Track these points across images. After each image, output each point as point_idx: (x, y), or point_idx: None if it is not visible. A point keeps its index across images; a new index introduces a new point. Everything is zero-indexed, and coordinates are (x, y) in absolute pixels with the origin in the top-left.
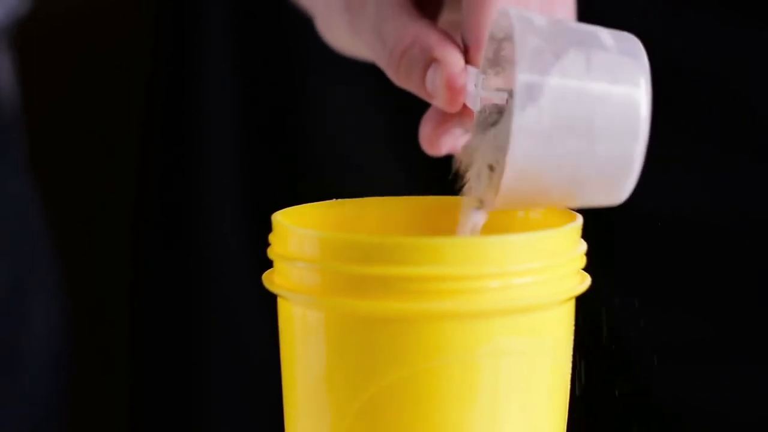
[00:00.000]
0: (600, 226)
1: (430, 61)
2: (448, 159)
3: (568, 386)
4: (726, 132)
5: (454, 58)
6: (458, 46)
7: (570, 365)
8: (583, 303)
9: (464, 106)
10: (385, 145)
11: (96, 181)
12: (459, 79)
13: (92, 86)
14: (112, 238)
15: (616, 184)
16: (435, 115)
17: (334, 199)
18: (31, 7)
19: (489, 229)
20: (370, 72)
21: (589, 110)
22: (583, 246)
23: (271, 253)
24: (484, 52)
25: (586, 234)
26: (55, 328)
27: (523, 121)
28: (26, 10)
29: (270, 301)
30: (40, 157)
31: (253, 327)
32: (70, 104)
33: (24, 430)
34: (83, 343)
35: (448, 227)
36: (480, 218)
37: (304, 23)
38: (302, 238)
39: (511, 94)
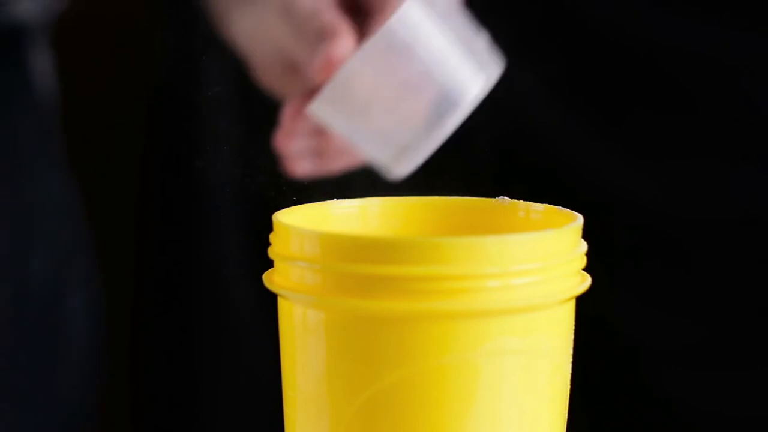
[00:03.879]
0: (600, 227)
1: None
2: (449, 159)
3: (568, 386)
4: (727, 136)
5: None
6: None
7: (570, 365)
8: (583, 303)
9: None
10: None
11: (116, 176)
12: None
13: (123, 83)
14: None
15: (396, 152)
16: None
17: (335, 199)
18: (68, 3)
19: (489, 229)
20: None
21: (414, 72)
22: (583, 246)
23: (272, 252)
24: None
25: (586, 234)
26: (91, 319)
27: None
28: (63, 5)
29: (270, 300)
30: (76, 153)
31: (253, 327)
32: (103, 101)
33: (62, 418)
34: (115, 335)
35: (451, 227)
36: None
37: None
38: (302, 238)
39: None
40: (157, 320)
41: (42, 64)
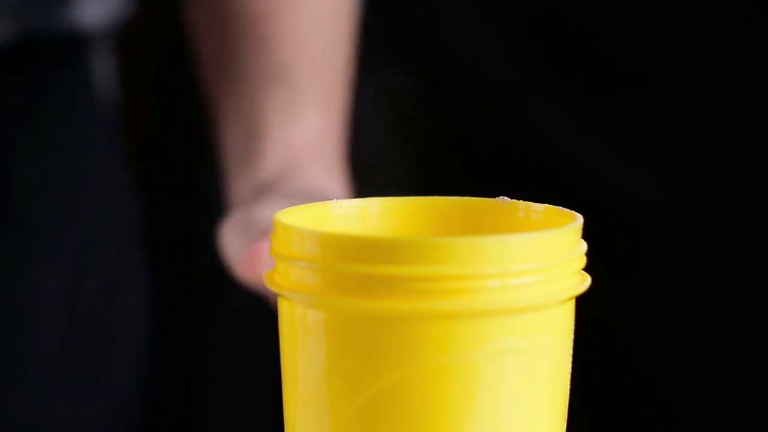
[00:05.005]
0: (600, 227)
1: None
2: (449, 159)
3: (568, 386)
4: (727, 136)
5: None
6: None
7: (570, 365)
8: (583, 303)
9: None
10: (385, 143)
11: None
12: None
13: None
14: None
15: None
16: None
17: (335, 199)
18: (132, 10)
19: (489, 229)
20: (374, 71)
21: None
22: (583, 246)
23: (272, 252)
24: None
25: (586, 234)
26: (147, 311)
27: None
28: (128, 12)
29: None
30: (133, 153)
31: (253, 327)
32: (158, 104)
33: (118, 412)
34: (169, 328)
35: (451, 227)
36: None
37: None
38: (302, 238)
39: None
40: (157, 320)
41: (103, 69)
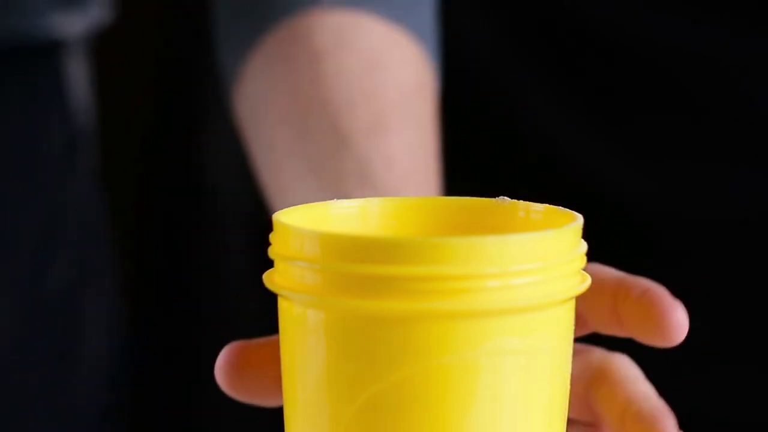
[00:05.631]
0: (600, 227)
1: None
2: (449, 159)
3: (568, 386)
4: (727, 136)
5: None
6: None
7: (570, 365)
8: None
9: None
10: None
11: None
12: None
13: (155, 94)
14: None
15: None
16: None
17: (335, 199)
18: (112, 18)
19: (489, 229)
20: None
21: None
22: (584, 246)
23: (272, 252)
24: None
25: (586, 234)
26: (111, 324)
27: None
28: (108, 21)
29: (270, 301)
30: (106, 163)
31: (253, 326)
32: (136, 111)
33: (83, 424)
34: (135, 338)
35: (451, 227)
36: None
37: None
38: (302, 238)
39: None
40: (157, 321)
41: (76, 76)
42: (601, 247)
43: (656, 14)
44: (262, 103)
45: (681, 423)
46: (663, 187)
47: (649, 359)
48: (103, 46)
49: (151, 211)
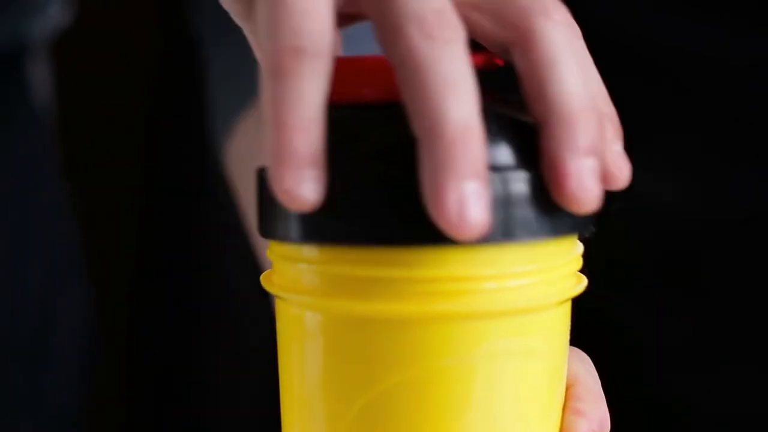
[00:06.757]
0: (600, 227)
1: None
2: None
3: (564, 387)
4: (727, 136)
5: None
6: None
7: (566, 366)
8: (583, 303)
9: None
10: None
11: (114, 182)
12: None
13: (118, 95)
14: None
15: None
16: None
17: None
18: (72, 20)
19: None
20: None
21: None
22: (580, 248)
23: (270, 253)
24: None
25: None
26: (80, 326)
27: None
28: (67, 22)
29: (269, 301)
30: (70, 164)
31: (251, 328)
32: (98, 112)
33: (52, 422)
34: (106, 340)
35: None
36: None
37: None
38: None
39: None
40: (157, 321)
41: (41, 77)
42: (601, 247)
43: (656, 14)
44: (251, 161)
45: (681, 422)
46: (663, 187)
47: (649, 359)
48: (64, 48)
49: (151, 211)
